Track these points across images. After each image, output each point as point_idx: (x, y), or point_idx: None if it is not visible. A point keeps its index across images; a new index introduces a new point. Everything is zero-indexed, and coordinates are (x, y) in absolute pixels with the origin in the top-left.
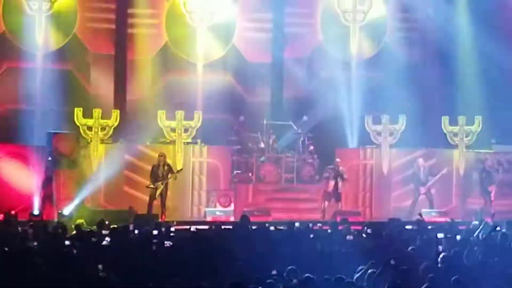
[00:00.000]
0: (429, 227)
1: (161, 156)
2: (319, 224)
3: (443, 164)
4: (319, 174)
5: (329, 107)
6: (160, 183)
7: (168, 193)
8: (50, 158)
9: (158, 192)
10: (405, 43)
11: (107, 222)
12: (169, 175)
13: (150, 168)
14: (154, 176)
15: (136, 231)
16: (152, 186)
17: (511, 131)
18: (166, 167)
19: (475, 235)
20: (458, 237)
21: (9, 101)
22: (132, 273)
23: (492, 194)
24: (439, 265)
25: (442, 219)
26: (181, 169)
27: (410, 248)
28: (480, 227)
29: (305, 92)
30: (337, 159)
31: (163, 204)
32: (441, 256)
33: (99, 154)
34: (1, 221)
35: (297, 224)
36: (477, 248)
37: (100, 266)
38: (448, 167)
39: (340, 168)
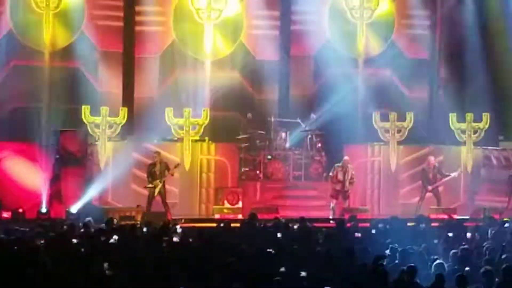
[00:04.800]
0: (436, 224)
1: (156, 154)
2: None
3: (454, 166)
4: (327, 171)
5: (337, 105)
6: (158, 181)
7: (176, 190)
8: (57, 156)
9: (157, 190)
10: (413, 40)
11: (115, 221)
12: (166, 172)
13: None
14: (151, 175)
15: (144, 229)
16: (150, 185)
17: None
18: (162, 165)
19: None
20: (469, 235)
21: (16, 99)
22: (140, 271)
23: None
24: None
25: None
26: (178, 164)
27: (423, 245)
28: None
29: (313, 89)
30: (346, 157)
31: (164, 202)
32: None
33: (106, 152)
34: (8, 219)
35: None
36: (486, 245)
37: (106, 265)
38: (459, 171)
39: (349, 166)
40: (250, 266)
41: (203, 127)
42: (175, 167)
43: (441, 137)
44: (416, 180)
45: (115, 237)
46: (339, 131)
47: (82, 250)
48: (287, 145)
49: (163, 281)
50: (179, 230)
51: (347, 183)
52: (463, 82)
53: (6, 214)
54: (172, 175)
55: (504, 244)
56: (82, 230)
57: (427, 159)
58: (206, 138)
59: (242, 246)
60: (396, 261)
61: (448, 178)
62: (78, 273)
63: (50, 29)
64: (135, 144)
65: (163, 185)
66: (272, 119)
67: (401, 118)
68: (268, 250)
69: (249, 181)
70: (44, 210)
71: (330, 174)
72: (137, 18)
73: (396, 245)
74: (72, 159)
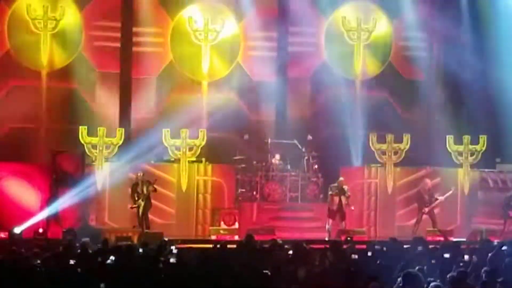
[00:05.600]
0: (431, 246)
1: (140, 174)
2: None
3: (448, 185)
4: (324, 193)
5: (334, 126)
6: (140, 200)
7: (172, 211)
8: (54, 177)
9: (141, 209)
10: (410, 62)
11: (109, 243)
12: (149, 189)
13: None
14: (135, 194)
15: (140, 250)
16: (134, 205)
17: None
18: (145, 184)
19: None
20: (466, 257)
21: (14, 119)
22: None
23: None
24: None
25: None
26: (155, 180)
27: (417, 268)
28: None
29: (310, 110)
30: (341, 178)
31: (145, 217)
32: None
33: (103, 173)
34: (5, 239)
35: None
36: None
37: (102, 285)
38: (454, 189)
39: (344, 186)
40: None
41: (200, 148)
42: (153, 182)
43: (438, 159)
44: (412, 202)
45: (112, 257)
46: (336, 152)
47: (79, 270)
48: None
49: None
50: (174, 251)
51: (343, 203)
52: (460, 104)
53: (3, 234)
54: (154, 191)
55: (501, 267)
56: (79, 250)
57: (423, 181)
58: (203, 159)
59: (239, 267)
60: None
61: (443, 198)
62: None
63: (48, 50)
64: (132, 165)
65: (149, 201)
66: (269, 141)
67: (398, 140)
68: (264, 271)
69: (246, 202)
70: (41, 230)
71: (330, 192)
72: (135, 39)
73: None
74: (69, 180)
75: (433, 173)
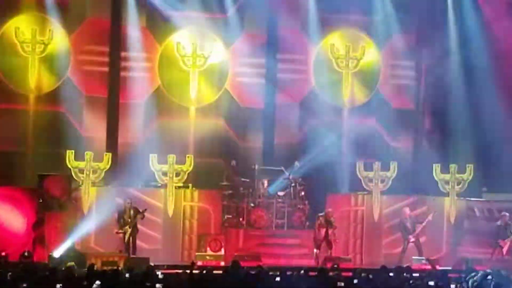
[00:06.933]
0: (416, 274)
1: (128, 202)
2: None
3: (429, 211)
4: (310, 220)
5: (321, 153)
6: (127, 227)
7: (159, 236)
8: (41, 200)
9: (127, 235)
10: (398, 90)
11: (95, 268)
12: (137, 217)
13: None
14: (121, 220)
15: (126, 275)
16: (120, 231)
17: (502, 179)
18: (132, 211)
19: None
20: (452, 286)
21: (0, 143)
22: None
23: (505, 249)
24: None
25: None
26: (145, 209)
27: None
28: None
29: (297, 137)
30: (329, 209)
31: (133, 245)
32: None
33: (90, 197)
34: None
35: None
36: None
37: None
38: (433, 213)
39: (331, 218)
40: None
41: (187, 173)
42: (143, 212)
43: (425, 188)
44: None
45: (98, 282)
46: (322, 179)
47: None
48: (266, 192)
49: None
50: (160, 276)
51: (329, 233)
52: (447, 133)
53: None
54: (142, 218)
55: None
56: (64, 274)
57: (402, 211)
58: (190, 185)
59: None
60: None
61: (424, 223)
62: None
63: (35, 73)
64: (119, 189)
65: (135, 227)
66: (256, 167)
67: (385, 168)
68: None
69: (232, 228)
70: (26, 254)
71: (318, 222)
72: (123, 64)
73: None
74: (55, 204)
75: (419, 201)
